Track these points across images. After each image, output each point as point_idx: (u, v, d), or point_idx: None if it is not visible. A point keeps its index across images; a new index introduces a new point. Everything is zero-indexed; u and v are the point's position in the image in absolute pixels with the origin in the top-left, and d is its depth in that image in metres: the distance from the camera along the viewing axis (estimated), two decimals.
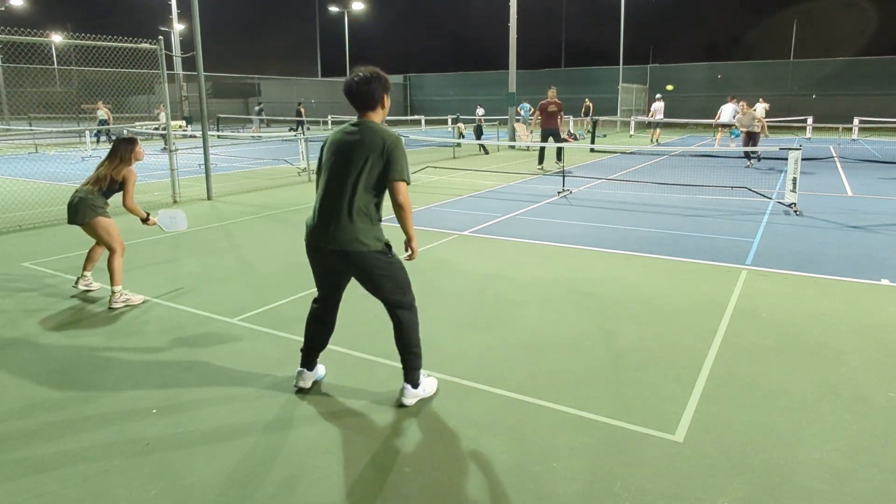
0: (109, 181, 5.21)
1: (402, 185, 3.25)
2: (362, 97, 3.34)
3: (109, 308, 5.08)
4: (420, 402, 3.50)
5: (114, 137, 23.42)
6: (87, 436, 3.18)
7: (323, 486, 2.76)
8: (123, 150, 5.29)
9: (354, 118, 3.46)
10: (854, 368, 3.90)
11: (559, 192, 11.19)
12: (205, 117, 11.31)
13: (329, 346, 4.22)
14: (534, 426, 3.24)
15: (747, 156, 15.40)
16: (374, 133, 3.27)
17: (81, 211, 5.11)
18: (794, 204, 9.16)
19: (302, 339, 3.67)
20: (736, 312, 4.92)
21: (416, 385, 3.49)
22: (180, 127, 22.84)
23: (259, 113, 31.76)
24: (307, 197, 11.05)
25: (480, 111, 33.79)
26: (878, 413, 3.35)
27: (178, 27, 33.46)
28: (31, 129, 22.81)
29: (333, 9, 49.27)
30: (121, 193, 5.31)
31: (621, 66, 34.18)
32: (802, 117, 26.96)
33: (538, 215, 9.06)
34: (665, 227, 8.20)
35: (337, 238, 3.21)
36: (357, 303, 5.21)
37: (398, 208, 3.27)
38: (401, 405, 3.44)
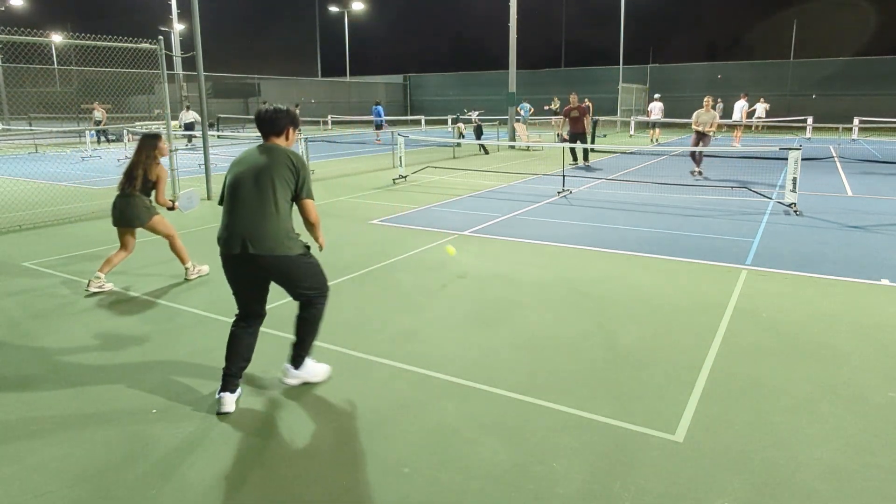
0: (144, 180, 5.55)
1: (310, 203, 3.55)
2: (270, 124, 3.57)
3: (186, 279, 5.90)
4: (420, 402, 3.50)
5: (112, 137, 23.58)
6: (87, 436, 3.18)
7: (323, 486, 2.76)
8: (150, 146, 5.58)
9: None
10: (854, 368, 3.90)
11: (559, 192, 11.19)
12: (205, 117, 11.31)
13: (329, 346, 4.22)
14: (534, 426, 3.24)
15: (693, 157, 13.73)
16: (280, 153, 3.49)
17: (138, 215, 5.57)
18: (794, 204, 9.16)
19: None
20: (736, 312, 4.92)
21: (298, 367, 3.71)
22: (180, 127, 22.82)
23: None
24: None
25: (474, 113, 33.82)
26: (878, 413, 3.35)
27: (178, 27, 33.45)
28: (31, 129, 22.81)
29: (333, 9, 49.27)
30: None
31: (621, 66, 34.17)
32: (802, 117, 26.95)
33: (538, 215, 9.06)
34: (665, 227, 8.20)
35: (263, 245, 3.35)
36: (357, 303, 5.21)
37: (310, 226, 3.62)
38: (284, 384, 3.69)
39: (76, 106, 26.15)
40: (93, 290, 5.51)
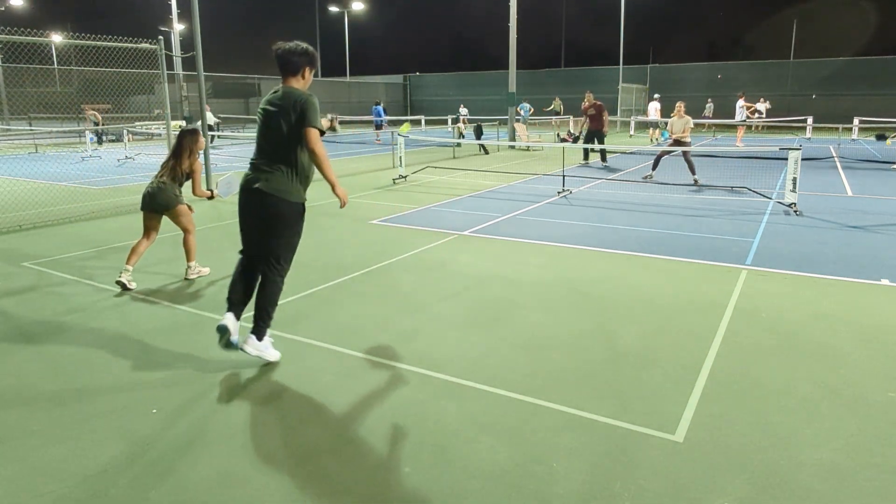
0: (179, 171, 5.80)
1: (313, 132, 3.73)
2: (284, 63, 3.84)
3: (185, 279, 5.89)
4: (420, 402, 3.50)
5: (112, 138, 23.57)
6: (87, 435, 3.18)
7: (322, 487, 2.76)
8: (190, 142, 5.83)
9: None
10: (854, 368, 3.90)
11: (559, 192, 11.19)
12: (205, 117, 11.31)
13: (329, 346, 4.23)
14: (534, 426, 3.24)
15: (657, 161, 13.09)
16: (289, 95, 3.79)
17: (166, 201, 5.73)
18: (794, 204, 9.16)
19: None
20: (736, 312, 4.92)
21: (261, 338, 3.94)
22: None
23: None
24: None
25: (464, 111, 33.82)
26: (878, 413, 3.35)
27: (178, 27, 33.44)
28: (31, 129, 22.82)
29: (333, 9, 49.27)
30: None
31: (621, 66, 34.17)
32: (802, 117, 26.96)
33: (538, 215, 9.06)
34: (665, 227, 8.20)
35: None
36: (357, 303, 5.21)
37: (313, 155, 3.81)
38: (241, 349, 3.89)
39: (76, 106, 26.15)
40: (124, 279, 5.59)
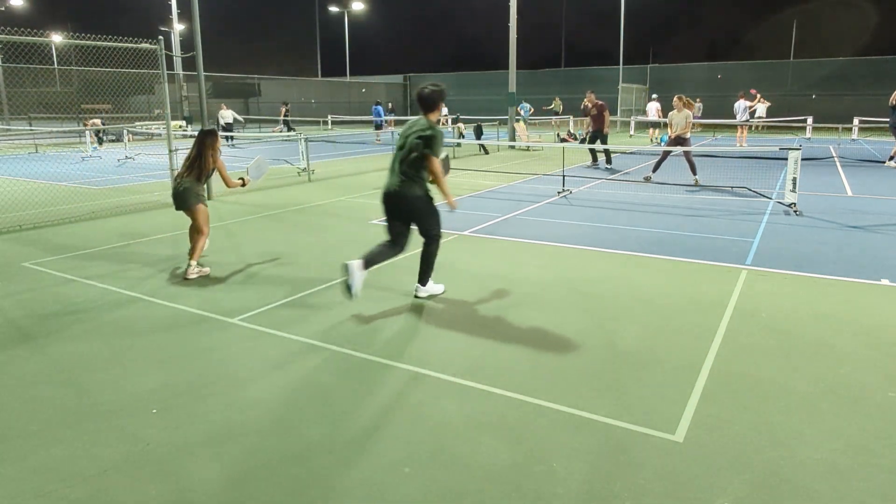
0: (201, 171, 6.09)
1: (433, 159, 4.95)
2: (425, 103, 5.06)
3: (185, 278, 5.90)
4: (420, 402, 3.51)
5: (112, 138, 23.58)
6: (87, 436, 3.18)
7: (322, 487, 2.76)
8: (212, 141, 6.15)
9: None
10: (854, 368, 3.90)
11: (559, 192, 11.19)
12: (205, 117, 11.31)
13: (330, 346, 4.25)
14: (534, 426, 3.24)
15: (658, 165, 12.74)
16: (415, 125, 5.04)
17: (187, 199, 6.01)
18: (794, 204, 9.16)
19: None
20: (736, 312, 4.92)
21: (424, 282, 5.32)
22: (180, 127, 22.83)
23: (287, 114, 31.14)
24: (307, 197, 11.05)
25: (444, 110, 33.73)
26: (878, 413, 3.35)
27: (178, 27, 33.43)
28: (31, 129, 22.82)
29: (333, 9, 49.28)
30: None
31: (621, 66, 34.17)
32: (802, 117, 26.96)
33: (538, 215, 9.06)
34: (665, 227, 8.20)
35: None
36: (357, 303, 5.21)
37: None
38: (416, 296, 5.27)
39: (76, 106, 26.15)
40: (192, 276, 5.91)
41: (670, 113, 12.44)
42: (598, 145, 15.10)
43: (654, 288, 5.58)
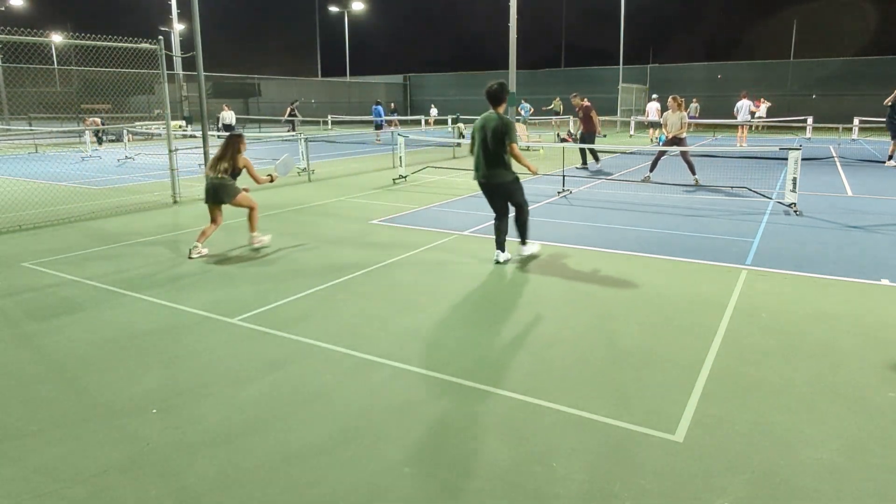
0: (233, 169, 6.90)
1: (514, 146, 6.22)
2: (494, 98, 6.31)
3: (253, 249, 7.01)
4: (420, 402, 3.51)
5: (112, 138, 23.57)
6: (87, 436, 3.18)
7: (322, 488, 2.76)
8: (237, 143, 6.97)
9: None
10: (854, 368, 3.90)
11: (559, 192, 11.19)
12: (205, 117, 11.31)
13: (329, 346, 4.26)
14: (534, 426, 3.24)
15: (655, 162, 12.82)
16: (493, 119, 6.26)
17: (228, 193, 6.90)
18: (794, 204, 9.16)
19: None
20: (736, 312, 4.92)
21: (525, 243, 6.71)
22: (180, 127, 22.82)
23: (293, 112, 30.95)
24: (307, 197, 11.05)
25: (434, 111, 33.68)
26: (878, 413, 3.35)
27: (178, 27, 33.44)
28: (31, 129, 22.82)
29: (333, 9, 49.27)
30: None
31: (621, 66, 34.18)
32: (802, 117, 26.96)
33: (538, 215, 9.06)
34: (665, 227, 8.20)
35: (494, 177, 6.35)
36: (357, 303, 5.21)
37: (516, 159, 6.35)
38: (520, 255, 6.66)
39: (76, 106, 26.15)
40: (195, 256, 6.66)
41: (665, 113, 12.47)
42: (586, 146, 14.85)
43: (654, 288, 5.58)
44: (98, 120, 22.70)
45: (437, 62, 60.28)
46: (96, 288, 5.66)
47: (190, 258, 6.63)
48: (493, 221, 6.54)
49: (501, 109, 6.28)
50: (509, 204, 6.48)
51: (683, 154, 12.33)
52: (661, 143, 14.94)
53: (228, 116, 24.51)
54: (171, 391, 3.65)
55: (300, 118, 29.87)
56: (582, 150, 15.61)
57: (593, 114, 15.37)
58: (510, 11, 22.44)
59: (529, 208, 6.53)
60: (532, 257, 6.62)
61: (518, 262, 6.53)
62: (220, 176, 6.84)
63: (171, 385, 3.73)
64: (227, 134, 7.59)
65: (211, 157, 7.36)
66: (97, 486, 2.76)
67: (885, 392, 3.58)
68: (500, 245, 6.49)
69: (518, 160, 6.24)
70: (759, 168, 14.47)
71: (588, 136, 15.31)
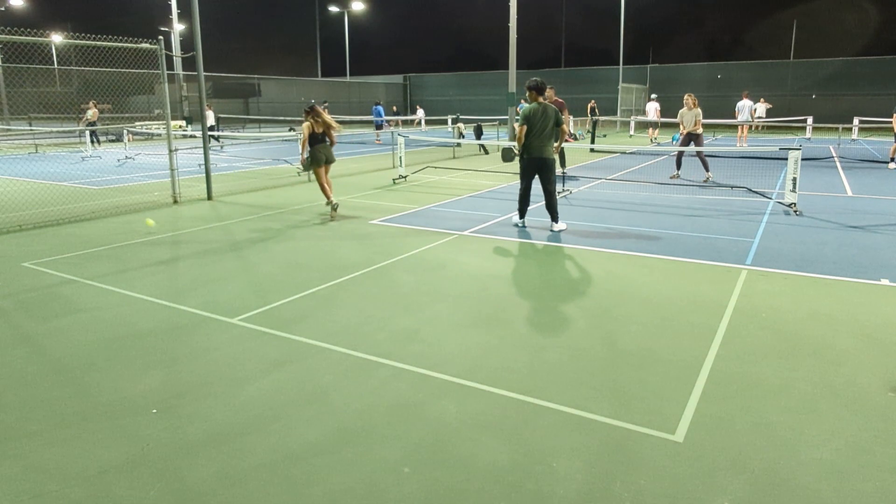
0: (323, 133, 9.19)
1: (564, 128, 8.01)
2: (539, 90, 7.72)
3: (333, 215, 8.97)
4: (420, 402, 3.51)
5: (112, 138, 23.56)
6: (87, 435, 3.18)
7: (322, 488, 2.76)
8: (315, 113, 9.11)
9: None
10: (854, 368, 3.90)
11: (559, 193, 11.18)
12: (205, 117, 11.31)
13: (329, 346, 4.26)
14: (534, 426, 3.24)
15: (678, 162, 13.19)
16: (548, 106, 7.79)
17: (332, 154, 9.37)
18: (794, 204, 9.16)
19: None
20: (736, 312, 4.92)
21: (556, 221, 8.08)
22: (180, 127, 22.81)
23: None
24: (307, 197, 11.05)
25: (420, 112, 33.64)
26: (878, 413, 3.35)
27: (178, 27, 33.44)
28: (31, 129, 22.82)
29: (333, 9, 49.26)
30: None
31: (621, 67, 34.17)
32: (802, 117, 26.95)
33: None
34: (665, 227, 8.20)
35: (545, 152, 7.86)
36: (357, 303, 5.21)
37: (563, 134, 8.18)
38: (551, 231, 7.90)
39: (76, 106, 26.16)
40: (335, 209, 8.98)
41: (680, 111, 12.96)
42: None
43: (654, 288, 5.58)
44: (96, 111, 22.25)
45: (437, 62, 60.26)
46: (96, 288, 5.66)
47: (333, 206, 8.94)
48: (523, 190, 8.10)
49: (541, 99, 7.66)
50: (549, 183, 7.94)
51: (699, 153, 12.70)
52: (675, 142, 14.78)
53: (210, 116, 23.65)
54: (171, 391, 3.65)
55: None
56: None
57: (565, 111, 13.93)
58: (510, 11, 22.45)
59: (530, 208, 6.67)
60: (562, 231, 7.93)
61: (517, 263, 6.53)
62: (327, 141, 9.13)
63: (171, 385, 3.73)
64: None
65: (305, 135, 9.01)
66: (97, 486, 2.76)
67: (885, 392, 3.58)
68: (523, 215, 8.23)
69: (562, 141, 8.17)
70: (759, 168, 14.47)
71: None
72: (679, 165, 13.34)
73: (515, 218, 8.27)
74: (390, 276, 6.01)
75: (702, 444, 3.06)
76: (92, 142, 22.01)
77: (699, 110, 12.75)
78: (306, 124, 8.96)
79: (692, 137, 12.80)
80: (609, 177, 13.74)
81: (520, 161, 8.08)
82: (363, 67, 51.22)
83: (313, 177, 9.83)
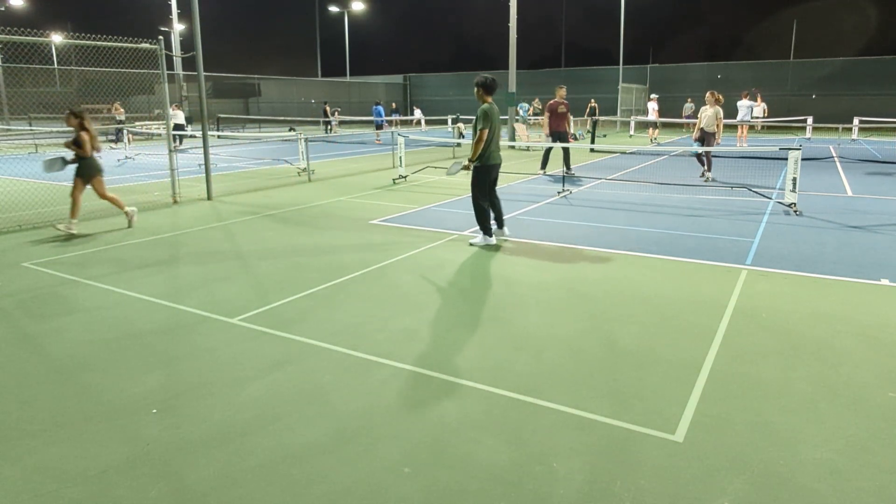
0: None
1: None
2: (489, 89, 7.06)
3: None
4: (420, 402, 3.52)
5: (111, 138, 23.53)
6: (87, 436, 3.17)
7: (322, 488, 2.76)
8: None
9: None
10: (854, 368, 3.90)
11: (559, 193, 11.19)
12: (205, 117, 11.30)
13: (329, 346, 4.26)
14: (534, 426, 3.24)
15: (700, 161, 13.20)
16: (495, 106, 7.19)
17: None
18: (794, 204, 9.16)
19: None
20: (736, 312, 4.92)
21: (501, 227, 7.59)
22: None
23: (333, 114, 30.59)
24: (307, 197, 11.05)
25: (418, 112, 33.63)
26: (878, 413, 3.35)
27: (178, 27, 33.43)
28: (31, 129, 22.81)
29: (333, 9, 49.27)
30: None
31: (621, 67, 34.17)
32: (802, 117, 26.94)
33: (538, 215, 9.06)
34: (665, 227, 8.20)
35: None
36: (357, 303, 5.21)
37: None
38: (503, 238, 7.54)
39: (76, 106, 26.12)
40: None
41: (701, 108, 12.99)
42: (557, 144, 13.54)
43: (654, 288, 5.58)
44: (122, 110, 22.16)
45: (437, 62, 60.31)
46: (96, 288, 5.66)
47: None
48: (486, 204, 7.21)
49: (490, 99, 7.05)
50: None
51: (707, 152, 12.77)
52: (695, 144, 14.49)
53: (179, 116, 22.23)
54: (171, 391, 3.65)
55: (337, 121, 29.87)
56: (547, 153, 14.35)
57: (547, 114, 14.01)
58: (510, 11, 22.45)
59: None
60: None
61: (517, 263, 6.53)
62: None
63: (171, 385, 3.73)
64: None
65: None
66: (97, 486, 2.76)
67: (885, 392, 3.58)
68: (499, 226, 7.53)
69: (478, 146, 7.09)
70: (759, 168, 14.46)
71: (556, 135, 14.00)
72: (703, 163, 13.07)
73: (481, 238, 7.24)
74: (390, 276, 6.01)
75: (702, 444, 3.06)
76: (117, 140, 21.81)
77: (720, 109, 12.63)
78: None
79: (705, 135, 12.80)
80: (609, 177, 13.74)
81: (475, 171, 7.18)
82: (363, 67, 51.28)
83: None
